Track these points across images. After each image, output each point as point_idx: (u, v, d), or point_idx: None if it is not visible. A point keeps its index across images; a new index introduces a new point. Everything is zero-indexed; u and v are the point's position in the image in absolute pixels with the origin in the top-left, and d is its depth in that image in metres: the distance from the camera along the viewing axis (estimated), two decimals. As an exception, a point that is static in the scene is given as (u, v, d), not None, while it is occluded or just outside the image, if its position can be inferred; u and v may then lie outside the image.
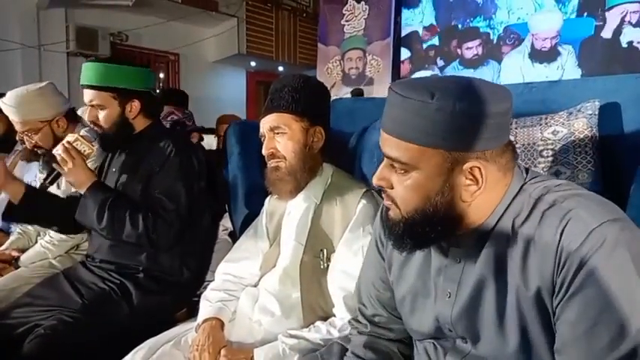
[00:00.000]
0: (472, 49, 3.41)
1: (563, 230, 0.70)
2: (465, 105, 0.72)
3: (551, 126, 1.24)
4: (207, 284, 1.56)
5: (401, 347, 1.05)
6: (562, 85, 1.48)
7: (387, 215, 0.86)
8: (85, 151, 1.54)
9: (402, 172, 0.78)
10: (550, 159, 1.22)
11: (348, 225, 1.27)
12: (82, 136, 1.57)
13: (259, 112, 1.37)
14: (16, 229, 2.17)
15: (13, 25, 5.52)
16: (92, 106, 1.60)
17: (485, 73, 3.36)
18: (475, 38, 3.39)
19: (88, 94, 1.60)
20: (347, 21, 4.19)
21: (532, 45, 3.14)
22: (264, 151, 1.32)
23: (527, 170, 0.84)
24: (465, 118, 0.72)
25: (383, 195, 0.86)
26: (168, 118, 3.00)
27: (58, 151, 1.53)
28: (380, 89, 3.92)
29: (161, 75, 7.28)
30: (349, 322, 1.12)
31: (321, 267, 1.27)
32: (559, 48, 3.02)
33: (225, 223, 2.30)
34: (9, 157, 2.69)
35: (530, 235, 0.75)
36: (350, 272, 1.22)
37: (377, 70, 3.99)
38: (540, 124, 1.26)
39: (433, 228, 0.79)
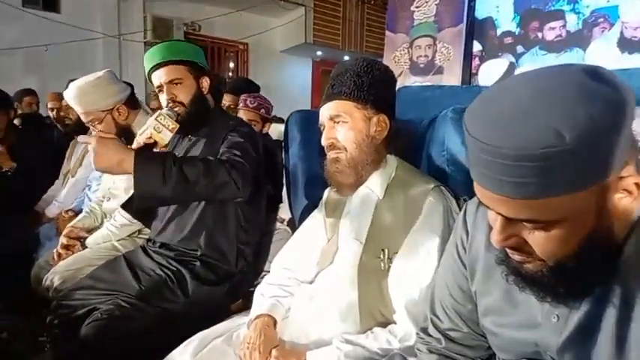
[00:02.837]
0: (555, 29, 3.11)
1: None
2: (608, 118, 0.54)
3: (655, 118, 1.05)
4: (265, 275, 1.52)
5: None
6: (670, 71, 1.26)
7: (519, 267, 0.69)
8: (169, 125, 1.43)
9: (540, 228, 0.61)
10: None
11: (413, 224, 1.15)
12: (165, 114, 1.44)
13: (324, 102, 1.28)
14: (85, 208, 2.26)
15: (96, 16, 5.87)
16: (169, 83, 1.57)
17: (567, 61, 3.05)
18: (559, 19, 3.10)
19: (162, 72, 1.58)
20: (417, 7, 4.01)
21: (621, 33, 2.80)
22: (323, 142, 1.24)
23: None
24: (613, 133, 0.55)
25: (508, 250, 0.68)
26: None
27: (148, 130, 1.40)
28: (450, 79, 3.71)
29: (231, 64, 7.45)
30: (417, 334, 1.00)
31: (382, 268, 1.16)
32: (655, 36, 2.68)
33: (281, 214, 2.27)
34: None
35: None
36: (414, 276, 1.11)
37: (447, 59, 3.78)
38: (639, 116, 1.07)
39: (597, 266, 0.63)
